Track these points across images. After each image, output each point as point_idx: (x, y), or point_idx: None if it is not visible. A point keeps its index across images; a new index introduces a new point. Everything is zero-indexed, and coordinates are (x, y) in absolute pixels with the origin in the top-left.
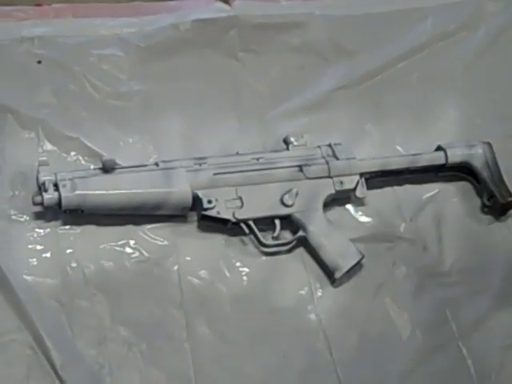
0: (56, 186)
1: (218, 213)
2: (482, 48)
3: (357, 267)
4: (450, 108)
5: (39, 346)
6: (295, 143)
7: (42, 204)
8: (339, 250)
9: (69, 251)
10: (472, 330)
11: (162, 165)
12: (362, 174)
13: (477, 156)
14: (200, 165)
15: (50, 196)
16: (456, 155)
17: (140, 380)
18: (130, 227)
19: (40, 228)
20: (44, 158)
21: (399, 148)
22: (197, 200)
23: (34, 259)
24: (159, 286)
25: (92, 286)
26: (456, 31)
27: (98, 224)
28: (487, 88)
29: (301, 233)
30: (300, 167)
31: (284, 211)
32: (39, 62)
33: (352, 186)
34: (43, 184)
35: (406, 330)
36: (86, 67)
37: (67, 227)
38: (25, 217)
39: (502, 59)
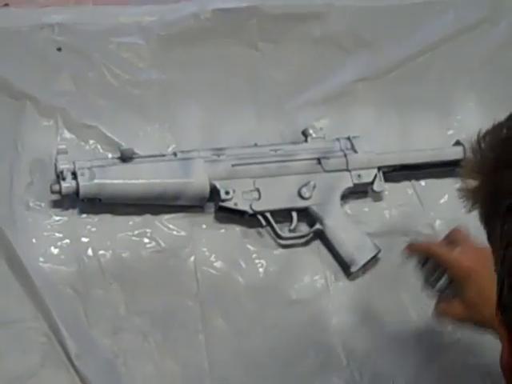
0: (74, 174)
1: (236, 204)
2: (504, 41)
3: (373, 261)
4: (471, 102)
5: (55, 335)
6: (314, 135)
7: (59, 192)
8: (356, 244)
9: (85, 240)
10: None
11: (180, 155)
12: (380, 168)
13: None
14: (218, 156)
15: (68, 184)
16: (472, 142)
17: (154, 370)
18: (147, 217)
19: (57, 216)
20: (62, 146)
21: (418, 142)
22: (214, 191)
23: (51, 247)
24: (175, 276)
25: (108, 275)
26: (477, 24)
27: (116, 213)
28: (508, 82)
29: (317, 226)
30: (318, 160)
31: (301, 204)
32: (59, 50)
33: (370, 179)
34: (61, 172)
35: (421, 325)
36: (106, 55)
37: (84, 216)
38: (42, 204)
39: None
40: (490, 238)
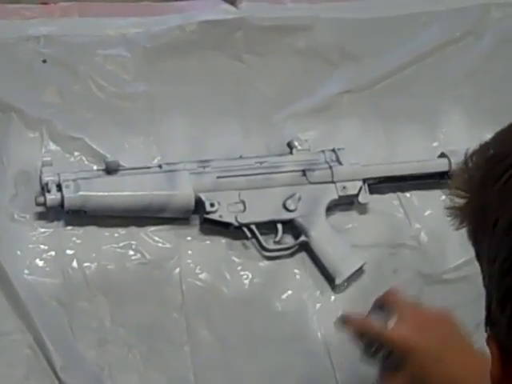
0: (59, 186)
1: (221, 216)
2: (489, 54)
3: (358, 273)
4: (456, 114)
5: (39, 347)
6: (299, 147)
7: (44, 204)
8: (341, 256)
9: (70, 252)
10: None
11: (165, 167)
12: (365, 180)
13: None
14: (203, 168)
15: (52, 197)
16: (459, 162)
17: (139, 382)
18: (133, 229)
19: (42, 228)
20: (47, 159)
21: (404, 154)
22: (199, 203)
23: (36, 259)
24: (160, 288)
25: (93, 288)
26: (463, 37)
27: (101, 225)
28: (494, 94)
29: (303, 238)
30: (303, 172)
31: (286, 216)
32: (44, 62)
33: (355, 191)
34: (46, 184)
35: None
36: (92, 67)
37: (69, 228)
38: (27, 216)
39: (508, 65)
40: (478, 255)
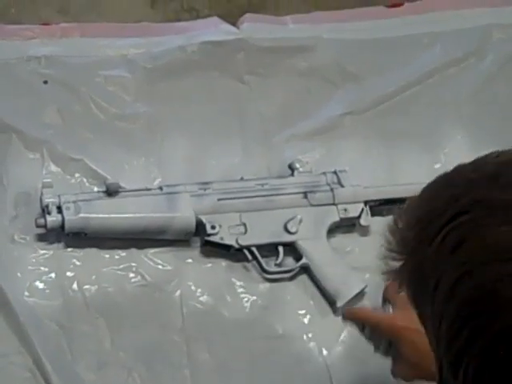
0: (59, 208)
1: (222, 239)
2: (491, 75)
3: (359, 296)
4: (458, 135)
5: (39, 369)
6: (300, 169)
7: (45, 226)
8: (342, 279)
9: (71, 274)
10: None
11: (166, 189)
12: (366, 202)
13: None
14: (204, 190)
15: (53, 219)
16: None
17: None
18: (133, 251)
19: (42, 250)
20: (48, 180)
21: (405, 176)
22: (200, 225)
23: (36, 281)
24: (160, 310)
25: (93, 310)
26: (464, 58)
27: (101, 247)
28: (496, 115)
29: (304, 260)
30: (305, 194)
31: (288, 238)
32: (45, 82)
33: (356, 213)
34: (46, 206)
35: None
36: (92, 88)
37: (69, 250)
38: (27, 238)
39: (510, 86)
40: (421, 319)
